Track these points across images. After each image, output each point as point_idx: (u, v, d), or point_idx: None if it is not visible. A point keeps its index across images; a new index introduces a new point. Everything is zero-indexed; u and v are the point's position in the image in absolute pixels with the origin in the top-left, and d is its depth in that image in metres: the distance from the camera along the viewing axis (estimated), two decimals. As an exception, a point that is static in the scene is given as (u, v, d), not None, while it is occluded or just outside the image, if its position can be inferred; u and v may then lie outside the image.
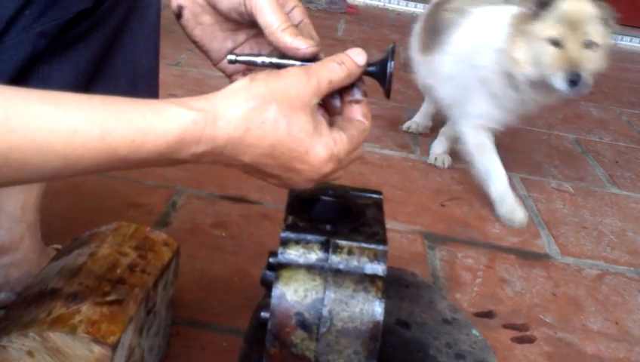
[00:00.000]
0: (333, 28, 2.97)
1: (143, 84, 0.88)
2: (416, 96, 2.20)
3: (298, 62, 0.61)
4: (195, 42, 0.69)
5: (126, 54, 0.83)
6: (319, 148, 0.56)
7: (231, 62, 0.64)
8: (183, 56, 2.16)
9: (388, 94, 0.64)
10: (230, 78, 0.70)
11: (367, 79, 0.64)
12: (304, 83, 0.56)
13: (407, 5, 3.64)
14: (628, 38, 3.64)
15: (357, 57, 0.61)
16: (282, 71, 0.56)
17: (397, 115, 1.99)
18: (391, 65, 0.63)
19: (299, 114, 0.55)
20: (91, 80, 0.81)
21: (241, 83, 0.54)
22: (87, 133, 0.47)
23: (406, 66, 2.54)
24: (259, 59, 0.63)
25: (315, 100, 0.57)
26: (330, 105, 0.63)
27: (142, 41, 0.84)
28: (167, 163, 0.53)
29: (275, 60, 0.63)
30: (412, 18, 3.54)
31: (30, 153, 0.45)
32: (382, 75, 0.63)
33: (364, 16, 3.35)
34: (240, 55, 0.64)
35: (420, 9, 3.63)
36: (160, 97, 0.90)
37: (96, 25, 0.78)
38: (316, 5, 3.28)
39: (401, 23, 3.35)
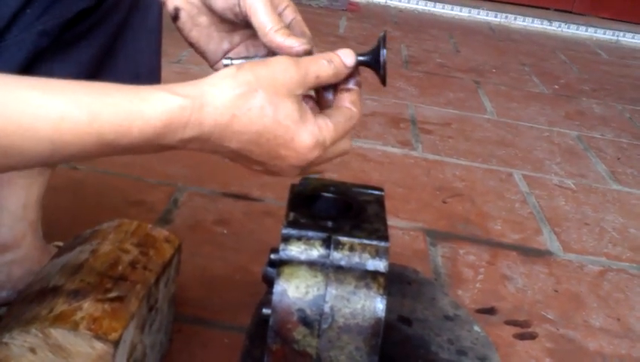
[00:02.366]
0: (335, 25, 2.97)
1: (145, 82, 0.87)
2: (418, 92, 2.20)
3: None
4: (191, 44, 0.70)
5: (128, 52, 0.83)
6: (305, 135, 0.56)
7: (227, 66, 0.64)
8: (184, 53, 2.16)
9: (384, 81, 0.65)
10: None
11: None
12: (291, 72, 0.56)
13: (408, 2, 3.63)
14: (630, 35, 3.64)
15: (346, 58, 0.61)
16: (270, 59, 0.57)
17: (398, 112, 1.99)
18: (384, 53, 0.63)
19: (285, 101, 0.55)
20: (93, 78, 0.81)
21: (228, 71, 0.55)
22: (75, 118, 0.47)
23: (407, 63, 2.54)
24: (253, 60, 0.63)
25: (300, 91, 0.57)
26: (323, 99, 0.64)
27: (144, 39, 0.84)
28: (155, 149, 0.53)
29: None
30: (414, 15, 3.54)
31: (17, 138, 0.45)
32: (375, 62, 0.64)
33: (365, 13, 3.34)
34: (235, 58, 0.65)
35: (421, 6, 3.63)
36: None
37: (98, 23, 0.78)
38: (318, 2, 3.27)
39: (403, 20, 3.35)
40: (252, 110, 0.54)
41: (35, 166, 0.49)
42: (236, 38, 0.69)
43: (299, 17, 0.66)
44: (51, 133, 0.46)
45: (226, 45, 0.69)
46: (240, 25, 0.66)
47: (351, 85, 0.63)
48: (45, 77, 0.75)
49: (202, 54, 0.70)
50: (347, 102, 0.62)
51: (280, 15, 0.66)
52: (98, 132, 0.47)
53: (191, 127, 0.52)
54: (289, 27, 0.66)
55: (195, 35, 0.68)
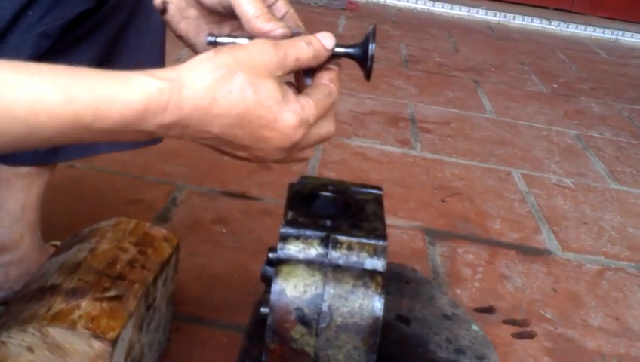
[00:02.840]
0: (334, 24, 2.97)
1: None
2: (417, 91, 2.20)
3: None
4: (179, 37, 0.69)
5: (131, 53, 0.83)
6: (288, 115, 0.56)
7: (210, 43, 0.63)
8: (183, 52, 2.15)
9: (368, 76, 0.64)
10: None
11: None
12: (270, 54, 0.56)
13: (407, 1, 3.63)
14: (629, 34, 3.64)
15: (325, 41, 0.61)
16: (249, 42, 0.57)
17: (397, 111, 1.99)
18: (372, 47, 0.62)
19: (266, 81, 0.55)
20: None
21: (206, 55, 0.54)
22: (50, 98, 0.46)
23: (407, 62, 2.54)
24: (238, 40, 0.62)
25: (280, 73, 0.57)
26: (302, 84, 0.63)
27: (147, 40, 0.84)
28: (135, 135, 0.52)
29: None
30: (413, 14, 3.54)
31: None
32: (363, 55, 0.63)
33: (364, 12, 3.34)
34: (219, 36, 0.64)
35: (420, 5, 3.63)
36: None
37: (100, 24, 0.78)
38: (317, 1, 3.27)
39: (402, 19, 3.35)
40: (232, 92, 0.53)
41: (11, 150, 0.48)
42: (225, 29, 0.68)
43: (292, 10, 0.66)
44: (26, 114, 0.45)
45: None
46: (229, 16, 0.66)
47: (330, 65, 0.63)
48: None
49: (191, 47, 0.69)
50: (325, 79, 0.62)
51: (271, 8, 0.65)
52: (74, 113, 0.47)
53: (170, 111, 0.51)
54: (282, 20, 0.66)
55: (183, 27, 0.68)
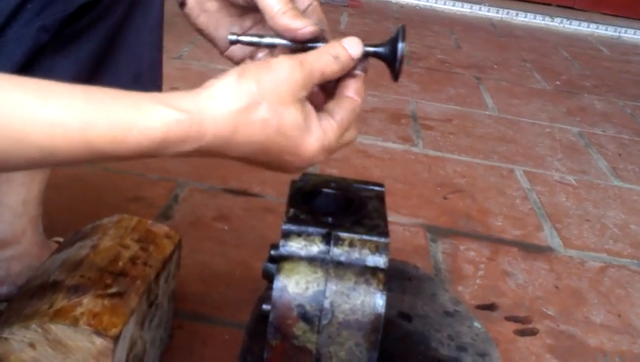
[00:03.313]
0: (336, 21, 2.96)
1: (147, 77, 0.87)
2: (419, 88, 2.20)
3: (301, 45, 0.60)
4: (199, 30, 0.68)
5: (129, 48, 0.83)
6: (310, 141, 0.55)
7: (232, 42, 0.62)
8: (185, 49, 2.15)
9: (396, 77, 0.62)
10: (236, 65, 0.68)
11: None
12: (296, 74, 0.54)
13: (410, -2, 3.63)
14: (632, 31, 3.63)
15: (352, 48, 0.59)
16: (273, 62, 0.54)
17: (399, 108, 1.99)
18: (401, 46, 0.60)
19: (289, 109, 0.53)
20: (94, 73, 0.81)
21: (229, 80, 0.52)
22: (66, 125, 0.45)
23: (409, 58, 2.54)
24: (262, 40, 0.61)
25: (305, 93, 0.55)
26: (325, 85, 0.62)
27: (145, 35, 0.84)
28: (156, 156, 0.51)
29: (278, 41, 0.61)
30: (415, 11, 3.54)
31: (6, 142, 0.44)
32: (392, 55, 0.61)
33: (367, 9, 3.34)
34: (241, 35, 0.62)
35: (423, 2, 3.62)
36: (162, 91, 0.90)
37: (99, 18, 0.77)
38: (319, -2, 3.27)
39: (404, 16, 3.34)
40: (254, 123, 0.52)
41: (24, 168, 0.48)
42: (247, 22, 0.67)
43: (315, 3, 0.64)
44: (42, 139, 0.45)
45: (236, 30, 0.67)
46: (250, 8, 0.65)
47: (357, 71, 0.61)
48: (46, 73, 0.75)
49: (211, 41, 0.68)
50: (351, 90, 0.60)
51: (294, 1, 0.64)
52: (90, 141, 0.46)
53: (190, 142, 0.50)
54: (305, 13, 0.64)
55: (203, 20, 0.66)
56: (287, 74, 0.54)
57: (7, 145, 0.44)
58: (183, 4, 0.66)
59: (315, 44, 0.61)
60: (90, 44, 0.79)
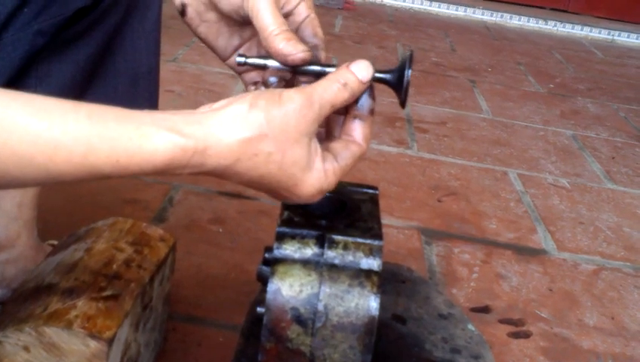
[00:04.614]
0: (331, 24, 2.97)
1: (144, 82, 0.87)
2: (414, 91, 2.20)
3: (309, 69, 0.60)
4: (201, 39, 0.68)
5: (126, 52, 0.83)
6: (309, 182, 0.55)
7: (240, 64, 0.62)
8: (180, 52, 2.15)
9: (403, 103, 0.62)
10: (240, 75, 0.69)
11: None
12: (305, 110, 0.53)
13: (404, 1, 3.64)
14: (625, 34, 3.64)
15: (361, 73, 0.58)
16: (284, 96, 0.53)
17: (394, 111, 1.99)
18: (408, 73, 0.60)
19: (294, 147, 0.53)
20: (91, 78, 0.81)
21: (240, 108, 0.51)
22: (70, 149, 0.45)
23: (403, 62, 2.54)
24: (269, 62, 0.61)
25: (315, 127, 0.54)
26: (332, 118, 0.62)
27: (143, 39, 0.84)
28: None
29: (284, 67, 0.61)
30: (410, 14, 3.54)
31: (10, 164, 0.45)
32: (398, 84, 0.61)
33: (361, 12, 3.34)
34: (250, 57, 0.62)
35: (417, 5, 3.63)
36: (159, 92, 0.91)
37: (96, 22, 0.78)
38: (314, 1, 3.28)
39: (399, 19, 3.35)
40: (258, 156, 0.52)
41: (29, 186, 0.48)
42: (247, 32, 0.67)
43: (313, 15, 0.64)
44: (46, 162, 0.45)
45: (236, 40, 0.67)
46: (248, 22, 0.65)
47: (364, 110, 0.60)
48: (43, 77, 0.75)
49: (213, 49, 0.68)
50: (360, 135, 0.60)
51: (291, 13, 0.63)
52: (92, 164, 0.47)
53: (191, 167, 0.50)
54: (301, 25, 0.64)
55: (203, 30, 0.67)
56: (296, 109, 0.53)
57: (11, 165, 0.45)
58: (183, 14, 0.66)
59: (318, 69, 0.61)
60: (88, 48, 0.79)
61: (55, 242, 0.97)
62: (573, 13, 3.82)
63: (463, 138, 1.88)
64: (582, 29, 3.64)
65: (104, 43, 0.80)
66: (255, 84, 0.68)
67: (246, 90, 0.68)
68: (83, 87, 0.81)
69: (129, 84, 0.85)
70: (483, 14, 3.64)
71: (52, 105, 0.46)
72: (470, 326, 0.85)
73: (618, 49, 3.49)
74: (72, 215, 1.17)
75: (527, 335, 1.07)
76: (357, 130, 0.60)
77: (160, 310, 0.84)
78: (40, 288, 0.71)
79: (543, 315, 1.13)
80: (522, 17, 3.64)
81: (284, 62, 0.60)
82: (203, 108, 0.53)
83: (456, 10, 3.64)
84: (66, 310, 0.67)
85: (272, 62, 0.61)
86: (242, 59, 0.62)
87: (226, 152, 0.51)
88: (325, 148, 0.57)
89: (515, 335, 1.07)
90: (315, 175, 0.55)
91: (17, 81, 0.73)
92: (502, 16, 3.64)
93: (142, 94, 0.89)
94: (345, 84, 0.57)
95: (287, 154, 0.53)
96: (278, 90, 0.54)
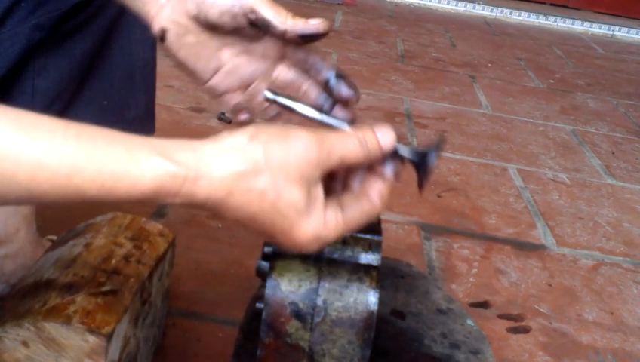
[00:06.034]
0: (331, 19, 2.96)
1: (140, 76, 0.87)
2: (413, 87, 2.20)
3: (337, 123, 0.59)
4: (179, 64, 0.65)
5: (123, 46, 0.83)
6: (305, 228, 0.51)
7: (268, 100, 0.61)
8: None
9: (421, 187, 0.59)
10: (219, 97, 0.66)
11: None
12: (311, 152, 0.50)
13: (404, -4, 3.63)
14: (625, 30, 3.64)
15: (384, 139, 0.54)
16: (292, 133, 0.50)
17: (394, 106, 1.99)
18: (433, 157, 0.57)
19: (292, 187, 0.49)
20: (88, 71, 0.81)
21: (239, 139, 0.49)
22: (54, 169, 0.43)
23: (403, 57, 2.54)
24: (298, 107, 0.60)
25: (318, 174, 0.51)
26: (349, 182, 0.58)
27: (139, 33, 0.84)
28: None
29: (311, 113, 0.60)
30: (410, 9, 3.54)
31: None
32: (421, 164, 0.57)
33: (361, 7, 3.34)
34: (280, 95, 0.60)
35: (417, 0, 3.62)
36: (156, 89, 0.91)
37: (93, 17, 0.77)
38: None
39: (399, 14, 3.34)
40: (251, 191, 0.48)
41: (12, 204, 0.45)
42: (225, 55, 0.65)
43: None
44: (28, 181, 0.43)
45: (214, 63, 0.65)
46: (229, 40, 0.64)
47: (387, 172, 0.56)
48: (39, 71, 0.75)
49: (191, 74, 0.66)
50: (375, 193, 0.55)
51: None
52: (78, 187, 0.44)
53: (181, 197, 0.47)
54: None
55: (183, 54, 0.64)
56: (301, 149, 0.50)
57: None
58: (162, 39, 0.64)
59: (341, 124, 0.59)
60: (84, 42, 0.79)
61: (54, 237, 0.96)
62: (573, 8, 3.82)
63: (463, 133, 1.88)
64: (582, 25, 3.63)
65: (101, 37, 0.80)
66: (239, 108, 0.66)
67: (228, 111, 0.66)
68: (80, 81, 0.81)
69: (126, 77, 0.85)
70: (483, 9, 3.64)
71: (41, 121, 0.44)
72: (469, 322, 0.85)
73: (618, 44, 3.48)
74: (70, 210, 1.17)
75: (526, 330, 1.07)
76: (374, 187, 0.56)
77: (159, 305, 0.84)
78: (39, 283, 0.71)
79: (542, 310, 1.13)
80: (522, 12, 3.64)
81: (308, 35, 0.59)
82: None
83: (456, 6, 3.63)
84: (65, 305, 0.67)
85: (301, 107, 0.60)
86: (272, 96, 0.60)
87: (217, 184, 0.47)
88: (335, 199, 0.54)
89: (515, 331, 1.07)
90: (313, 222, 0.51)
91: (14, 75, 0.73)
92: (502, 12, 3.64)
93: (138, 87, 0.89)
94: (363, 143, 0.53)
95: (283, 195, 0.49)
96: (288, 127, 0.51)
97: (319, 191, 0.51)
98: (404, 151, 0.56)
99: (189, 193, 0.47)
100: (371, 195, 0.55)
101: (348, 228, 0.53)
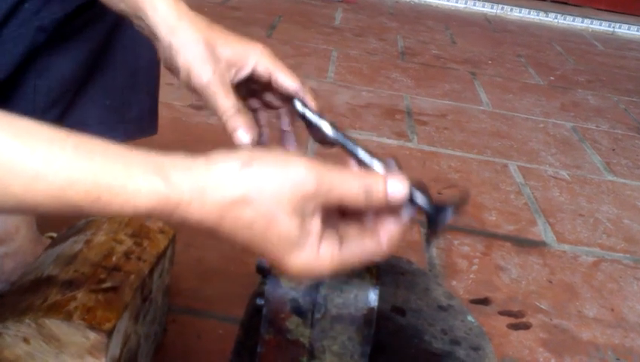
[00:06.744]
0: (331, 17, 2.96)
1: (143, 75, 0.87)
2: (414, 84, 2.20)
3: (364, 155, 0.60)
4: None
5: (126, 46, 0.83)
6: (296, 261, 0.49)
7: (299, 113, 0.63)
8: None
9: (429, 239, 0.57)
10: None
11: None
12: (308, 186, 0.48)
13: (404, -7, 3.63)
14: (626, 26, 3.64)
15: (393, 188, 0.51)
16: (292, 162, 0.49)
17: (394, 103, 1.99)
18: (449, 214, 0.53)
19: (284, 218, 0.48)
20: (90, 72, 0.81)
21: (232, 165, 0.48)
22: (49, 180, 0.42)
23: (404, 54, 2.53)
24: (324, 126, 0.62)
25: (312, 206, 0.49)
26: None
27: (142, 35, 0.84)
28: None
29: (337, 137, 0.61)
30: (410, 6, 3.54)
31: None
32: (434, 220, 0.54)
33: (361, 4, 3.33)
34: (309, 110, 0.62)
35: (417, -3, 3.62)
36: (159, 86, 0.91)
37: (97, 17, 0.77)
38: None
39: (399, 11, 3.34)
40: (240, 220, 0.47)
41: (6, 213, 0.45)
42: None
43: (275, 66, 0.64)
44: (23, 192, 0.42)
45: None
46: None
47: (404, 215, 0.53)
48: (43, 72, 0.75)
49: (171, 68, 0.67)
50: (384, 234, 0.52)
51: (250, 75, 0.63)
52: (72, 200, 0.43)
53: (175, 218, 0.47)
54: (271, 81, 0.64)
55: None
56: (298, 179, 0.48)
57: None
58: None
59: (363, 156, 0.60)
60: (87, 43, 0.79)
61: (54, 235, 0.97)
62: (573, 5, 3.82)
63: (463, 130, 1.88)
64: (582, 21, 3.63)
65: (104, 37, 0.80)
66: (255, 111, 0.68)
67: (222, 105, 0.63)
68: (83, 81, 0.81)
69: (129, 77, 0.85)
70: (483, 6, 3.64)
71: (40, 130, 0.43)
72: (470, 318, 0.85)
73: (618, 41, 3.48)
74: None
75: (526, 326, 1.07)
76: (386, 228, 0.53)
77: (160, 302, 0.84)
78: (39, 280, 0.71)
79: (542, 307, 1.13)
80: (523, 9, 3.64)
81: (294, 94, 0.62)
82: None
83: (457, 3, 3.63)
84: (66, 302, 0.67)
85: (326, 127, 0.62)
86: (302, 110, 0.63)
87: (209, 209, 0.47)
88: (337, 231, 0.52)
89: (515, 327, 1.07)
90: (304, 255, 0.49)
91: (18, 76, 0.73)
92: (502, 9, 3.63)
93: (141, 88, 0.89)
94: (367, 191, 0.50)
95: (273, 225, 0.48)
96: (287, 154, 0.50)
97: (315, 223, 0.49)
98: (421, 200, 0.53)
99: (182, 216, 0.46)
100: (380, 235, 0.52)
101: (344, 265, 0.51)
